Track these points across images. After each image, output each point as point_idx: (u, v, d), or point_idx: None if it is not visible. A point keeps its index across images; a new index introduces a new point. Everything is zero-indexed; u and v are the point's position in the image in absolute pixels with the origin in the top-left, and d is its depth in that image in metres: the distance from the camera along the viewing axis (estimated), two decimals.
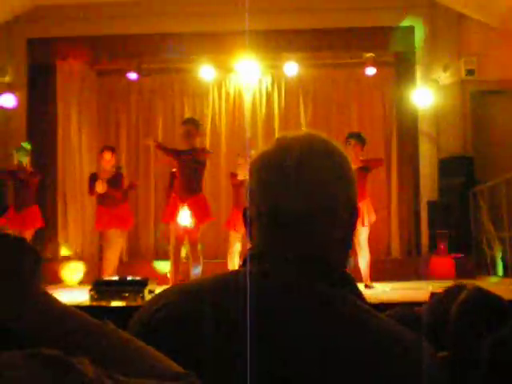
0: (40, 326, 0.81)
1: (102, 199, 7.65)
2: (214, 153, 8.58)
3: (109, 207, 7.59)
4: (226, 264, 7.73)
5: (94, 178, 7.65)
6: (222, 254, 8.53)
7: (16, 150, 7.87)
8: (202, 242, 7.35)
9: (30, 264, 0.86)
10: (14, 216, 7.71)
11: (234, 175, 7.90)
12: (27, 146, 7.93)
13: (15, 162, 7.85)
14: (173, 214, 6.84)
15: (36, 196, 8.03)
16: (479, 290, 2.33)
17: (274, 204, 1.05)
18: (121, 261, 8.29)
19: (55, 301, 0.86)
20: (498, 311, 2.23)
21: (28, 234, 7.69)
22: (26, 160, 7.84)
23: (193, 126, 6.87)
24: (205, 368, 0.90)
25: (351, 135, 7.28)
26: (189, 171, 6.82)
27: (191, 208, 6.76)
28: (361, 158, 7.10)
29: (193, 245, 6.89)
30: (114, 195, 7.59)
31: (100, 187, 7.45)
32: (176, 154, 6.91)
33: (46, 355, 0.68)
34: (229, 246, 7.89)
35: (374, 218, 7.18)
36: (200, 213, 6.84)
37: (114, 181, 7.65)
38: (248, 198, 1.11)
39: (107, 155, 7.70)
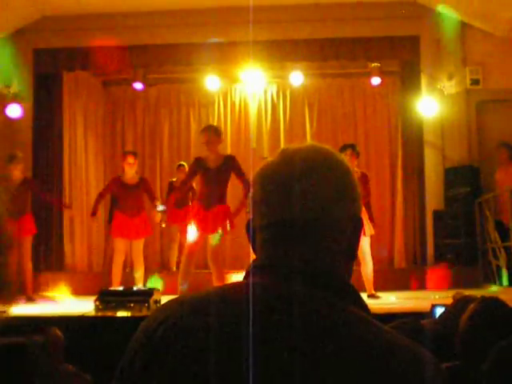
0: None
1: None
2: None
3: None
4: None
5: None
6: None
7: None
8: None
9: None
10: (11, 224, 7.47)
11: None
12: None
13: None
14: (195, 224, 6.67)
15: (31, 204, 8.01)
16: (488, 301, 2.32)
17: (277, 216, 1.05)
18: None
19: None
20: (507, 321, 2.24)
21: (26, 242, 7.66)
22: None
23: (212, 133, 6.80)
24: (208, 380, 0.90)
25: (347, 146, 7.25)
26: (214, 181, 6.71)
27: (215, 217, 6.61)
28: (356, 168, 7.07)
29: (213, 255, 6.69)
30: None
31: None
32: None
33: None
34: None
35: (372, 230, 7.15)
36: (224, 222, 6.67)
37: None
38: (251, 210, 1.11)
39: (130, 159, 7.63)
